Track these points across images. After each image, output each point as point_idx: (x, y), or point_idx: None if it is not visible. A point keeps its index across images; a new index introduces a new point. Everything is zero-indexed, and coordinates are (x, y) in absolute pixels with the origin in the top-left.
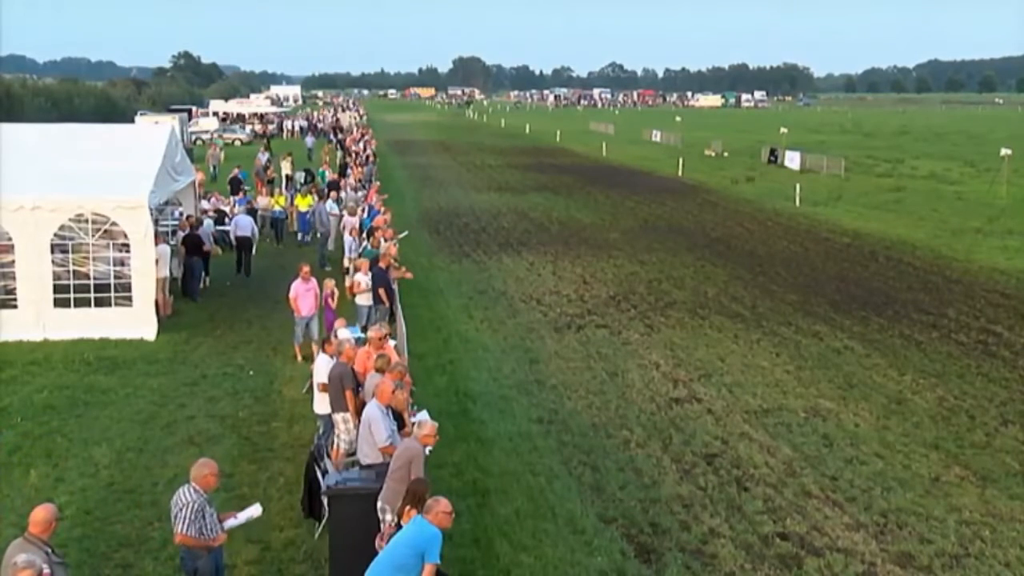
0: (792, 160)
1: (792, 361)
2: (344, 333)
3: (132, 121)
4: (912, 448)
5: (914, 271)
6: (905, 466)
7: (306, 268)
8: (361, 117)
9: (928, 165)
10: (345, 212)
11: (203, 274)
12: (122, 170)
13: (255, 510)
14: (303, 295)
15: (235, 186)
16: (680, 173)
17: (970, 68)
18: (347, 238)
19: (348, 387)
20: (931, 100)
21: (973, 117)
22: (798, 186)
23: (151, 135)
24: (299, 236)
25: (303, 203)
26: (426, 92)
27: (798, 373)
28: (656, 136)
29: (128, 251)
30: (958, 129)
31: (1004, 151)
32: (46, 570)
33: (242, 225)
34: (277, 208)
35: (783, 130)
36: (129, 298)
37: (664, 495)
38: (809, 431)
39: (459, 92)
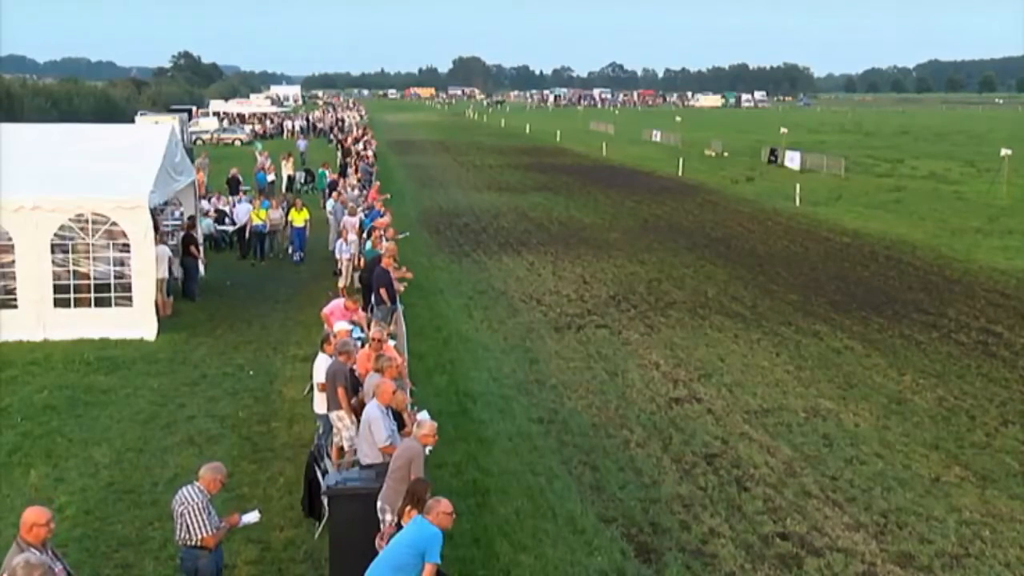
0: (792, 160)
1: (792, 361)
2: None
3: (132, 121)
4: (912, 448)
5: (914, 271)
6: (905, 466)
7: (353, 302)
8: (362, 117)
9: (928, 165)
10: (345, 212)
11: (196, 274)
12: (122, 170)
13: (253, 516)
14: (340, 317)
15: (234, 186)
16: (680, 173)
17: (970, 68)
18: (345, 239)
19: (340, 384)
20: (931, 100)
21: (973, 117)
22: (798, 186)
23: (151, 135)
24: (292, 255)
25: (298, 217)
26: (426, 92)
27: (798, 373)
28: (656, 136)
29: (128, 251)
30: (958, 129)
31: (1004, 151)
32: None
33: (242, 213)
34: (258, 221)
35: (783, 130)
36: (129, 298)
37: (664, 495)
38: (809, 431)
39: (459, 92)
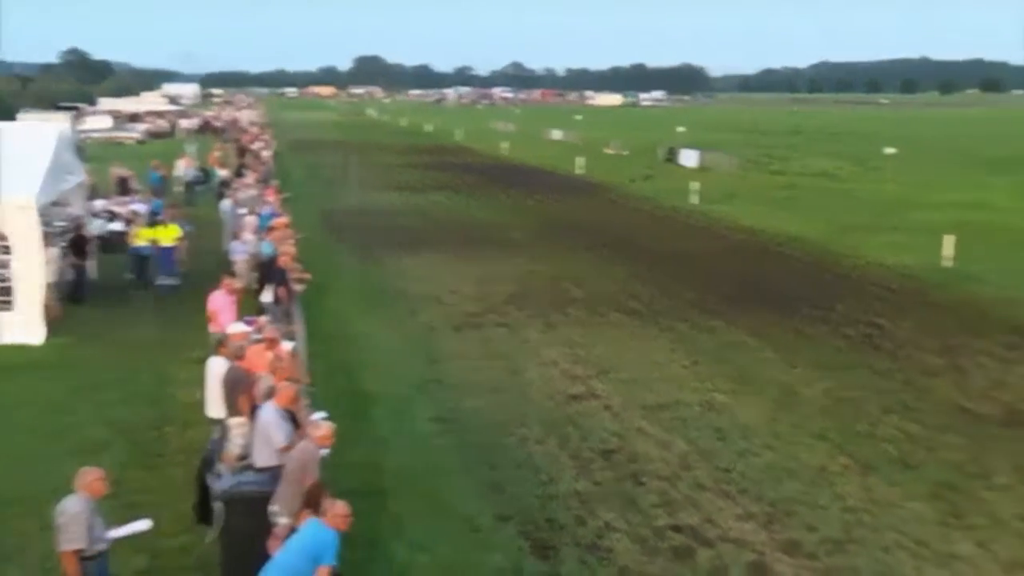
0: (689, 158)
1: (688, 356)
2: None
3: (13, 119)
4: (801, 439)
5: (805, 267)
6: (794, 457)
7: (230, 280)
8: (260, 116)
9: (819, 163)
10: (241, 212)
11: (86, 276)
12: (8, 169)
13: (143, 524)
14: (225, 309)
15: (124, 187)
16: (580, 172)
17: (858, 69)
18: (241, 239)
19: (243, 392)
20: (822, 100)
21: (861, 117)
22: (695, 184)
23: (39, 133)
24: (160, 280)
25: (166, 235)
26: (326, 91)
27: (694, 368)
28: (557, 135)
29: (9, 253)
30: (847, 128)
31: (888, 150)
32: None
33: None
34: (142, 242)
35: (680, 129)
36: (9, 302)
37: (561, 491)
38: (704, 425)
39: (361, 91)
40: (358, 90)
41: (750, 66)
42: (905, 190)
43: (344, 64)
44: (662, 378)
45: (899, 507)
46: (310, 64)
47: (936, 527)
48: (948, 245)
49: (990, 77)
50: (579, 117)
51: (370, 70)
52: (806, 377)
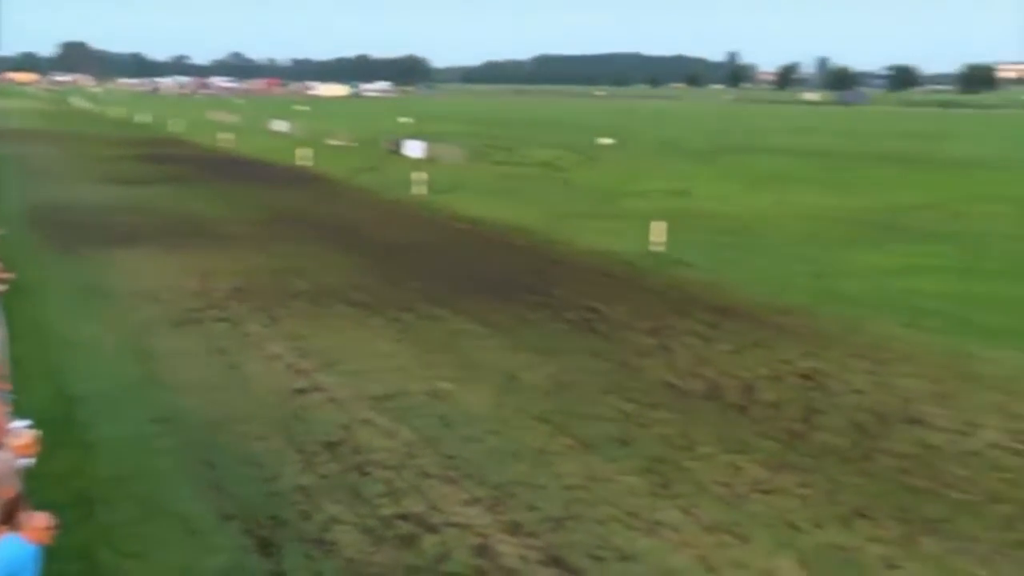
0: (414, 149)
1: (415, 346)
2: None
3: None
4: (524, 423)
5: (526, 254)
6: (517, 440)
7: None
8: None
9: (541, 153)
10: None
11: None
12: None
13: None
14: None
15: None
16: (304, 163)
17: (575, 63)
18: None
19: None
20: (543, 92)
21: (580, 109)
22: (419, 175)
23: None
24: None
25: None
26: (26, 77)
27: (420, 357)
28: (280, 126)
29: None
30: (567, 120)
31: (603, 140)
32: None
33: None
34: None
35: (405, 119)
36: None
37: (285, 487)
38: (429, 413)
39: (68, 78)
40: (63, 77)
41: (473, 58)
42: (619, 179)
43: (47, 50)
44: (388, 368)
45: (614, 482)
46: (7, 49)
47: (647, 498)
48: (657, 231)
49: (692, 72)
50: (305, 108)
51: (76, 57)
52: (529, 362)
